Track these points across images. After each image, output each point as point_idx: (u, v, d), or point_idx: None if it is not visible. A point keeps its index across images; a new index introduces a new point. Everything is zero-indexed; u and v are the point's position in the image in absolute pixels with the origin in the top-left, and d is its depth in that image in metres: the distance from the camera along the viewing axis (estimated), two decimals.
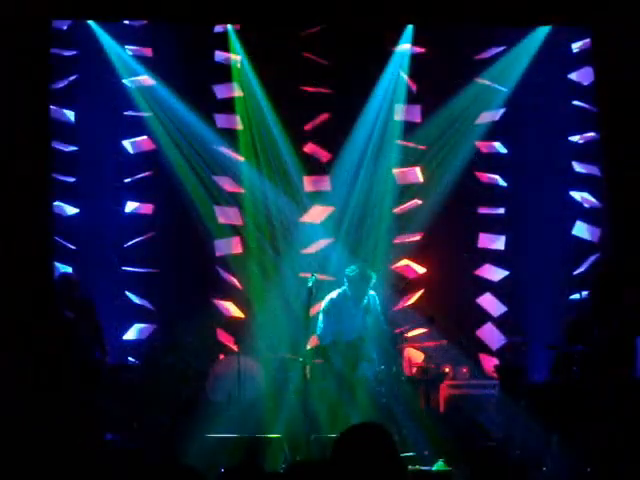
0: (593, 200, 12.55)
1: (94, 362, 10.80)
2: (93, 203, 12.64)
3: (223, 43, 12.65)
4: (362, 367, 10.47)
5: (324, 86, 12.68)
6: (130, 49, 12.56)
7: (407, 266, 12.72)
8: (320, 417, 10.09)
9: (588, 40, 11.93)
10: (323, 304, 10.77)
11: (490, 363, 12.21)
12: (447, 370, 11.72)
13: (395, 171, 12.78)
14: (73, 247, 12.38)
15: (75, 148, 12.55)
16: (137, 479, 8.26)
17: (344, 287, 10.92)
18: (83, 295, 11.26)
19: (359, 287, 10.68)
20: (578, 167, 12.69)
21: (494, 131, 12.82)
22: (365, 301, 10.74)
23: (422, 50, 12.67)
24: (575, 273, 12.20)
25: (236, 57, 12.69)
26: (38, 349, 10.28)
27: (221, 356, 12.19)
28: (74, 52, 12.42)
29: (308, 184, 12.77)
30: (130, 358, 12.07)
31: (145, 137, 12.74)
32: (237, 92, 12.76)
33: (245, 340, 11.34)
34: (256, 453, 9.28)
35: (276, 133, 12.73)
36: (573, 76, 12.63)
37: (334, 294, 10.84)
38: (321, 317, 10.73)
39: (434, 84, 12.69)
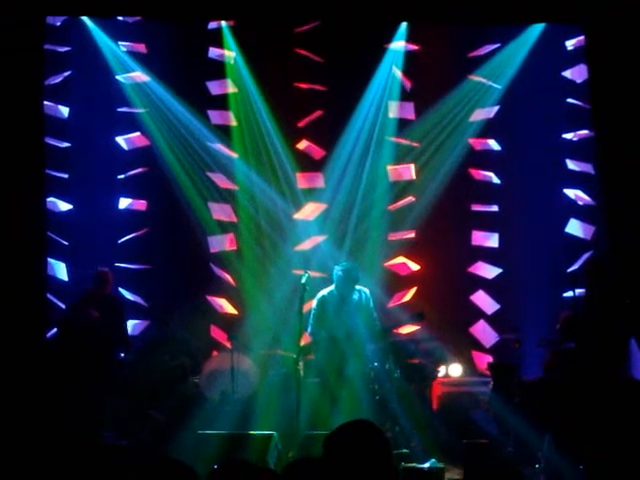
0: (586, 198, 12.56)
1: (113, 363, 11.12)
2: (87, 199, 12.63)
3: (217, 40, 12.64)
4: (354, 364, 10.45)
5: (318, 83, 12.68)
6: (124, 45, 12.55)
7: (402, 263, 12.72)
8: (313, 414, 10.09)
9: (582, 37, 11.93)
10: (314, 302, 10.77)
11: (483, 360, 12.21)
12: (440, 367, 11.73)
13: (389, 168, 12.79)
14: (66, 243, 12.37)
15: (69, 144, 12.54)
16: (129, 475, 8.27)
17: (333, 285, 10.90)
18: (113, 293, 11.76)
19: (345, 285, 10.66)
20: (572, 164, 12.69)
21: (488, 128, 12.82)
22: (356, 298, 10.71)
23: (416, 47, 12.67)
24: (569, 270, 12.19)
25: (230, 54, 12.68)
26: (34, 346, 10.30)
27: (214, 353, 12.19)
28: (68, 48, 12.41)
29: (302, 181, 12.77)
30: (123, 354, 12.05)
31: (139, 133, 12.74)
32: (231, 88, 12.76)
33: (239, 337, 11.33)
34: (248, 450, 9.27)
35: (270, 130, 12.73)
36: (567, 74, 12.63)
37: (324, 291, 10.83)
38: (311, 314, 10.73)
39: (428, 81, 12.68)
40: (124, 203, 12.80)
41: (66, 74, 12.44)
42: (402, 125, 12.82)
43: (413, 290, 12.65)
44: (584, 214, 12.60)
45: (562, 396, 9.84)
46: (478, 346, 12.59)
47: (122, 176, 12.71)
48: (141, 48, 12.58)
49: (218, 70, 12.71)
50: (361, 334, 10.56)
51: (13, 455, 8.85)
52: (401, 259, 12.73)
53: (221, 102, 12.75)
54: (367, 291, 10.81)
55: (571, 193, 12.71)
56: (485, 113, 12.74)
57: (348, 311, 10.64)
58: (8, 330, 9.97)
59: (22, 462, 8.74)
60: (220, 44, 12.67)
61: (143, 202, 12.81)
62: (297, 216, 12.71)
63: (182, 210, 12.58)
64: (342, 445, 4.12)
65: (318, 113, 12.75)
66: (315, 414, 10.07)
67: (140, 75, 12.56)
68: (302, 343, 10.18)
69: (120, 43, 12.53)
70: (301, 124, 12.77)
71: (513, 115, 12.73)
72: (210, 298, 12.46)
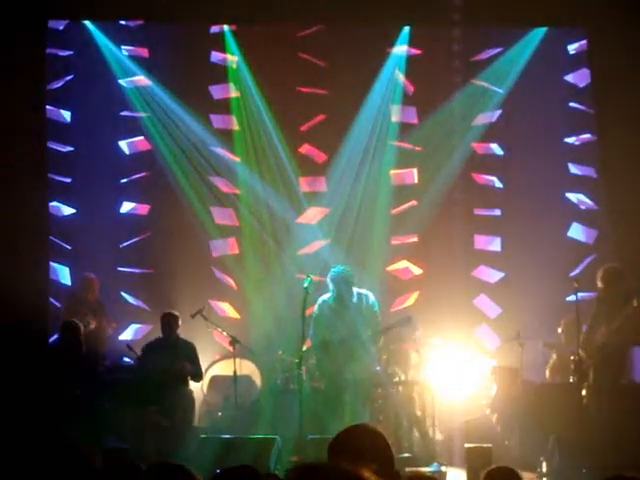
0: (589, 202, 12.55)
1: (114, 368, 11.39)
2: (89, 203, 12.64)
3: (219, 44, 12.65)
4: (353, 368, 10.40)
5: (320, 87, 12.68)
6: (126, 49, 12.55)
7: (405, 267, 12.70)
8: (316, 418, 10.06)
9: (584, 42, 11.95)
10: (315, 306, 10.73)
11: (486, 364, 12.19)
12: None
13: (391, 172, 12.78)
14: (69, 247, 12.37)
15: (71, 148, 12.54)
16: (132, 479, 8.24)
17: (332, 289, 10.82)
18: (98, 298, 12.02)
19: (339, 288, 10.59)
20: (574, 169, 12.68)
21: (490, 132, 12.81)
22: (356, 302, 10.62)
23: (418, 51, 12.67)
24: (571, 275, 12.17)
25: (232, 58, 12.69)
26: (37, 350, 10.31)
27: (217, 357, 12.19)
28: (70, 52, 12.42)
29: (304, 185, 12.76)
30: (126, 359, 12.04)
31: (141, 137, 12.74)
32: (233, 93, 12.76)
33: (241, 341, 11.31)
34: (251, 454, 9.25)
35: (272, 134, 12.72)
36: (569, 78, 12.62)
37: (325, 296, 10.79)
38: (312, 319, 10.69)
39: (430, 85, 12.67)
40: (126, 207, 12.80)
41: (68, 78, 12.45)
42: (404, 129, 12.81)
43: (415, 294, 12.63)
44: (586, 218, 12.58)
45: (566, 399, 9.84)
46: (481, 350, 12.57)
47: (125, 180, 12.72)
48: (143, 52, 12.59)
49: (220, 74, 12.72)
50: (360, 338, 10.48)
51: (13, 457, 8.84)
52: (404, 263, 12.71)
53: (223, 106, 12.74)
54: (371, 296, 10.73)
55: (573, 197, 12.70)
56: (487, 117, 12.73)
57: (346, 315, 10.56)
58: (11, 334, 9.98)
59: (22, 465, 8.73)
60: (222, 48, 12.68)
61: (145, 206, 12.81)
62: (299, 220, 12.70)
63: (184, 214, 12.58)
64: (346, 449, 4.11)
65: (320, 117, 12.75)
66: (318, 418, 10.04)
67: (142, 79, 12.56)
68: (305, 347, 10.16)
69: (122, 47, 12.53)
70: (303, 128, 12.76)
71: (515, 119, 12.73)
72: (212, 302, 12.45)
